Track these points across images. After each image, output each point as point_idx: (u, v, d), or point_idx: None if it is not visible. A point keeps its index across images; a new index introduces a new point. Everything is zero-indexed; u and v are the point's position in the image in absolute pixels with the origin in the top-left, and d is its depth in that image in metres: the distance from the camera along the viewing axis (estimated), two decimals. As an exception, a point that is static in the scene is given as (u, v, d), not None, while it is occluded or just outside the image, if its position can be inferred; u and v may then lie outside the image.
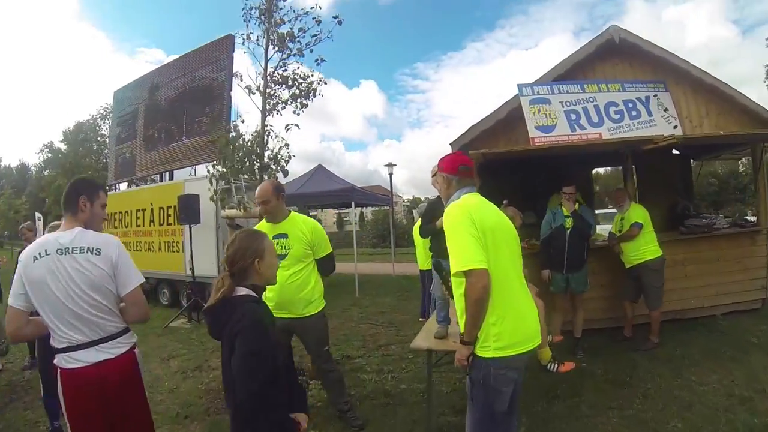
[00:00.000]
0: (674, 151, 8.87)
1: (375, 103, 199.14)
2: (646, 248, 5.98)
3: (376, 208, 36.77)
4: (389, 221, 18.89)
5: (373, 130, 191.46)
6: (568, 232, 5.76)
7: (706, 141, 6.99)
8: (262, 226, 4.01)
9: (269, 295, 3.69)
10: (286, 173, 5.95)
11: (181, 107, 11.94)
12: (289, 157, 5.85)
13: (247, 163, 5.94)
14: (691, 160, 10.23)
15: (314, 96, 6.07)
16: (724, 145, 7.85)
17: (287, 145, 5.85)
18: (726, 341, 5.91)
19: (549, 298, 5.52)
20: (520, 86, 6.93)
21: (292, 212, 4.14)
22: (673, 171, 9.41)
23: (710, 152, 9.06)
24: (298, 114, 6.08)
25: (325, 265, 4.16)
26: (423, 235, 4.67)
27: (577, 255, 5.79)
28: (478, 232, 2.38)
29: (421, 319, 8.18)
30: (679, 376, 4.94)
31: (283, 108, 6.03)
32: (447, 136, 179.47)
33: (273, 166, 5.88)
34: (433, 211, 3.90)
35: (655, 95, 6.93)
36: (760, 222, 7.30)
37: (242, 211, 6.04)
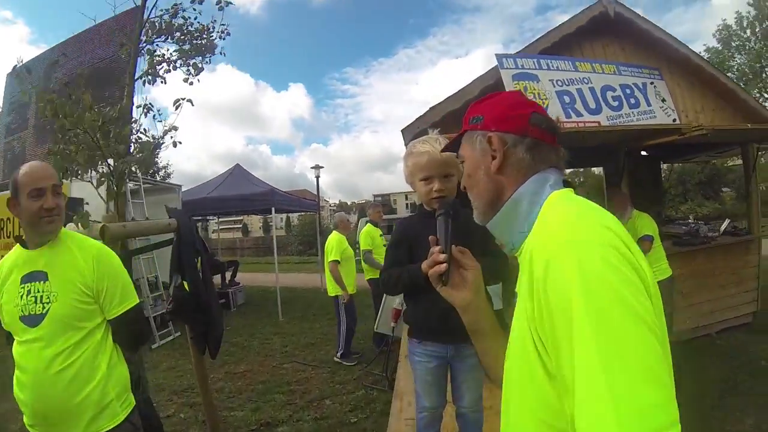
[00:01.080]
0: (643, 153, 7.96)
1: (303, 107, 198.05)
2: (657, 266, 4.90)
3: (303, 213, 34.94)
4: (316, 227, 17.23)
5: (300, 133, 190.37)
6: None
7: (704, 139, 5.99)
8: (13, 255, 2.17)
9: (21, 396, 2.03)
10: (149, 167, 4.15)
11: (76, 92, 9.51)
12: (175, 144, 4.15)
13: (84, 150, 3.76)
14: (661, 163, 9.39)
15: (211, 54, 4.42)
16: (712, 145, 6.95)
17: (174, 128, 4.15)
18: (737, 367, 5.18)
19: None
20: (499, 57, 5.58)
21: (65, 229, 2.21)
22: (644, 174, 8.43)
23: (688, 153, 8.23)
24: (191, 83, 4.42)
25: (123, 334, 2.23)
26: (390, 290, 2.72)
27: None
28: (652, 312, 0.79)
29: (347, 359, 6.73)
30: (704, 421, 3.92)
31: (167, 71, 4.35)
32: (375, 140, 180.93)
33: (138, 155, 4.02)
34: (408, 233, 2.51)
35: (651, 83, 5.90)
36: (752, 229, 6.75)
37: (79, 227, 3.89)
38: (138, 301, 2.35)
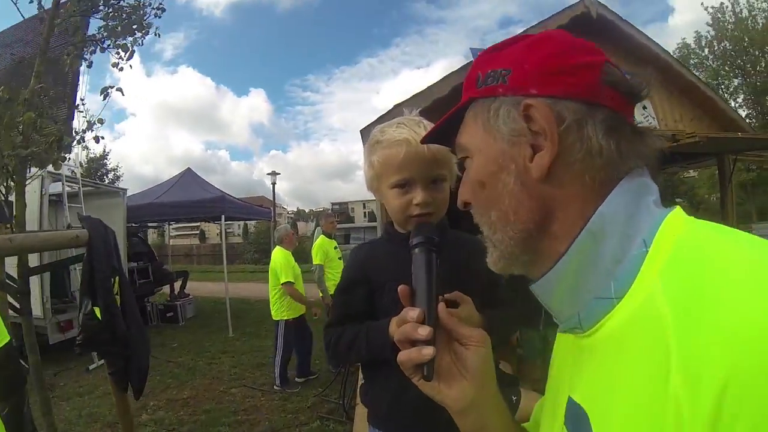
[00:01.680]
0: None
1: (263, 113, 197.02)
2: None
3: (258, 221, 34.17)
4: (271, 235, 16.55)
5: (260, 139, 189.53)
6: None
7: (684, 148, 5.79)
8: None
9: None
10: (60, 162, 3.49)
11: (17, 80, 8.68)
12: (97, 139, 3.56)
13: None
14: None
15: (145, 33, 3.81)
16: (686, 155, 6.62)
17: (100, 121, 3.54)
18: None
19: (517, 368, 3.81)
20: (474, 51, 5.24)
21: None
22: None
23: (662, 163, 7.92)
24: (121, 68, 3.81)
25: None
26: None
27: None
28: None
29: (297, 379, 6.25)
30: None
31: (93, 52, 3.73)
32: (334, 149, 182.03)
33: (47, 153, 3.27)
34: (369, 269, 1.54)
35: (632, 89, 5.53)
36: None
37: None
38: (8, 339, 1.80)
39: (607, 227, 0.59)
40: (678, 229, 0.55)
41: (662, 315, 0.47)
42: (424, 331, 0.75)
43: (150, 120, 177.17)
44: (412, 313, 0.78)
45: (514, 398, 2.65)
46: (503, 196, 0.65)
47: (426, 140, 0.89)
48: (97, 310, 2.80)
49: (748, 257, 0.46)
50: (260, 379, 6.50)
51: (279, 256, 6.14)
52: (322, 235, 6.65)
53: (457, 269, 1.34)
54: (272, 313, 6.25)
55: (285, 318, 6.07)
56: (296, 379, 6.27)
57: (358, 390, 1.80)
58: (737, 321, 0.41)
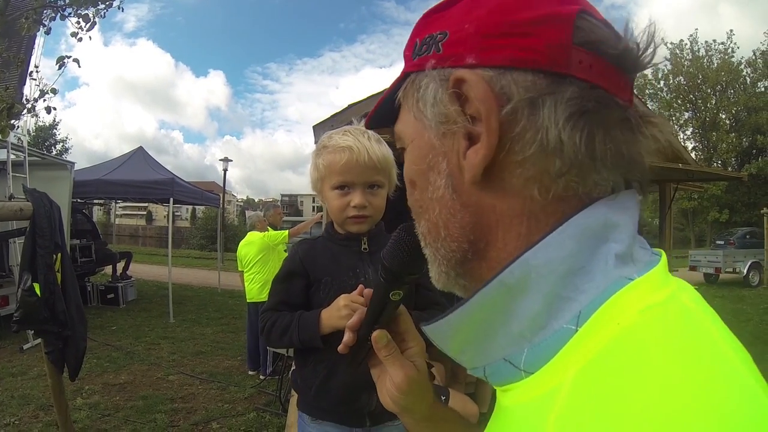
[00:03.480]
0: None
1: (220, 96, 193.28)
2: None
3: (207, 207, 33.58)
4: (218, 222, 16.25)
5: (215, 123, 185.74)
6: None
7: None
8: None
9: None
10: (9, 130, 3.42)
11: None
12: (48, 110, 3.46)
13: None
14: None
15: (108, 5, 3.72)
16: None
17: (54, 91, 3.45)
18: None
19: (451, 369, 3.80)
20: None
21: None
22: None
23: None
24: (80, 38, 3.72)
25: None
26: None
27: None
28: None
29: (251, 372, 6.17)
30: None
31: (53, 18, 3.62)
32: (288, 140, 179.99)
33: None
34: (307, 263, 1.65)
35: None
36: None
37: None
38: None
39: (531, 282, 0.41)
40: (630, 314, 0.38)
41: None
42: (348, 340, 0.78)
43: (104, 92, 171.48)
44: (355, 318, 0.79)
45: (443, 398, 2.73)
46: (433, 202, 0.49)
47: (368, 125, 0.74)
48: (37, 287, 2.72)
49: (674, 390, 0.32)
50: (199, 367, 6.38)
51: (256, 237, 6.14)
52: (269, 226, 6.54)
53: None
54: (246, 292, 6.17)
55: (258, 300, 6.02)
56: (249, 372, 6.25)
57: (290, 376, 1.87)
58: None
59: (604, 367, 0.35)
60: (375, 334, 0.71)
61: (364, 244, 1.61)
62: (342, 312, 1.31)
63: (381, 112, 0.63)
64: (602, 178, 0.43)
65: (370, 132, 1.56)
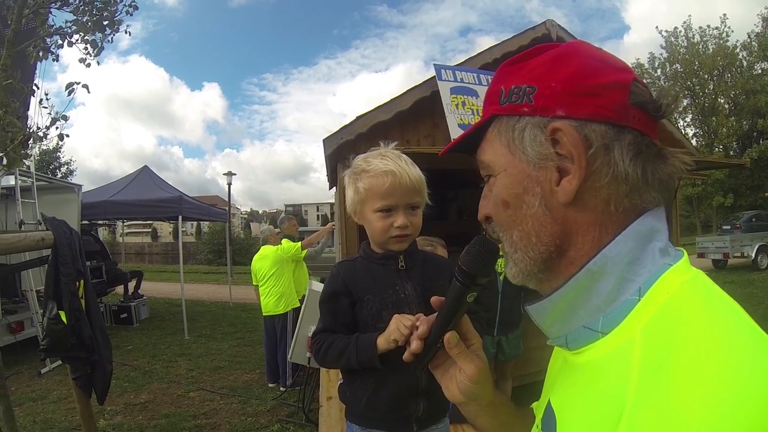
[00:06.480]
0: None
1: (217, 109, 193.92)
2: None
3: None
4: (225, 236, 16.31)
5: (213, 137, 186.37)
6: (502, 277, 4.05)
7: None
8: None
9: None
10: (23, 160, 3.46)
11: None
12: (61, 137, 3.48)
13: None
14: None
15: (115, 31, 3.75)
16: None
17: (64, 118, 3.47)
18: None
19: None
20: (438, 67, 5.23)
21: None
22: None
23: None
24: (88, 64, 3.74)
25: None
26: None
27: (515, 309, 4.16)
28: None
29: (270, 385, 6.20)
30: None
31: (60, 47, 3.66)
32: (288, 149, 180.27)
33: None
34: (350, 283, 1.70)
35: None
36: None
37: None
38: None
39: (608, 269, 0.59)
40: (673, 287, 0.56)
41: (632, 367, 0.51)
42: (416, 348, 0.87)
43: (100, 111, 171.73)
44: (422, 328, 0.88)
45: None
46: (527, 217, 0.65)
47: (451, 150, 0.85)
48: (63, 314, 2.76)
49: (723, 354, 0.47)
50: (218, 383, 6.43)
51: (269, 251, 6.20)
52: (284, 239, 6.54)
53: (424, 287, 1.64)
54: (275, 308, 6.13)
55: (291, 308, 6.10)
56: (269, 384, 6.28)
57: (337, 389, 1.95)
58: (677, 422, 0.44)
59: (665, 318, 0.54)
60: (447, 335, 0.81)
61: (401, 262, 1.68)
62: (400, 331, 1.35)
63: (462, 141, 0.79)
64: (651, 197, 0.62)
65: (404, 156, 1.67)
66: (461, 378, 0.82)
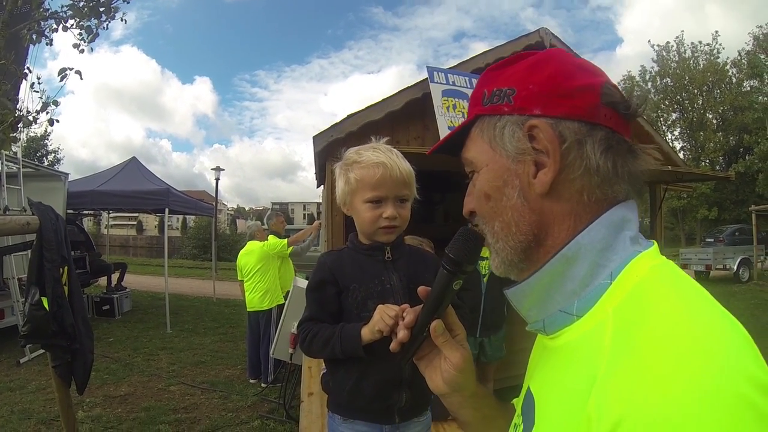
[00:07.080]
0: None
1: (208, 104, 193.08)
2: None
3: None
4: (211, 232, 16.23)
5: (202, 132, 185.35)
6: (486, 279, 4.09)
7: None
8: None
9: None
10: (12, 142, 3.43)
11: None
12: (52, 122, 3.44)
13: None
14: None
15: (111, 18, 3.71)
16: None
17: (56, 103, 3.43)
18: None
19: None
20: (430, 69, 5.27)
21: None
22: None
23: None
24: (82, 50, 3.70)
25: None
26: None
27: (497, 310, 4.19)
28: None
29: (252, 381, 6.17)
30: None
31: (55, 31, 3.62)
32: (277, 147, 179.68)
33: None
34: (338, 273, 1.72)
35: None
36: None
37: None
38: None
39: (581, 254, 0.64)
40: (642, 271, 0.61)
41: (603, 346, 0.55)
42: (403, 337, 0.88)
43: (89, 100, 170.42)
44: (409, 317, 0.88)
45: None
46: (507, 208, 0.70)
47: (436, 150, 0.90)
48: (45, 301, 2.73)
49: (688, 330, 0.51)
50: (199, 377, 6.38)
51: (256, 247, 6.18)
52: (271, 235, 6.52)
53: (409, 278, 1.66)
54: (260, 304, 6.12)
55: (276, 304, 6.09)
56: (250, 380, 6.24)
57: (320, 379, 1.95)
58: (646, 381, 0.47)
59: (634, 300, 0.57)
60: (434, 324, 0.84)
61: (388, 253, 1.71)
62: (385, 321, 1.34)
63: (448, 143, 0.84)
64: (621, 188, 0.68)
65: (395, 149, 1.72)
66: (446, 367, 0.84)
